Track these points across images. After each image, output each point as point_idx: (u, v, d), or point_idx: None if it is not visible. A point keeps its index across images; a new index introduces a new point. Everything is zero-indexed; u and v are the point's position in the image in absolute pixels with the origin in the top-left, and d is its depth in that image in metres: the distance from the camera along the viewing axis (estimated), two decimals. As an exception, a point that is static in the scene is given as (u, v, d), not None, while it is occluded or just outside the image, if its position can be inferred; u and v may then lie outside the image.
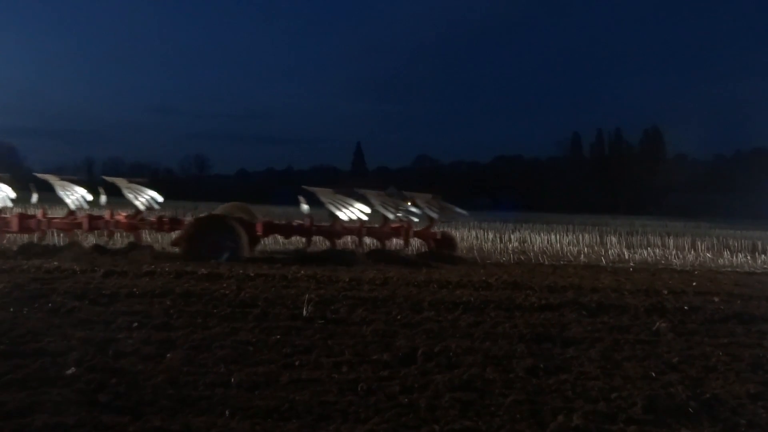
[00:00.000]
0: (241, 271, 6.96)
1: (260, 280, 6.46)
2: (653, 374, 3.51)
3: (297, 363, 3.51)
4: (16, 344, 3.63)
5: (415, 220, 9.75)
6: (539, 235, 14.75)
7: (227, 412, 2.73)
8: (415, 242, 10.28)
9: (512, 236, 14.56)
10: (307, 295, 5.45)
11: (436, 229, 10.23)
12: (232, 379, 3.14)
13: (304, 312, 4.82)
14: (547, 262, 10.02)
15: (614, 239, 14.66)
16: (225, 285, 6.04)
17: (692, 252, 12.52)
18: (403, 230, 9.72)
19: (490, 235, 14.22)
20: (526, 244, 12.90)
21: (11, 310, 4.55)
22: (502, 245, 12.45)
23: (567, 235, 14.71)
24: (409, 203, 9.85)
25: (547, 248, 12.24)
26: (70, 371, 3.15)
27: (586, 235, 15.18)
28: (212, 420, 2.64)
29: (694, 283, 7.69)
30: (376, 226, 9.70)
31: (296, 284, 6.32)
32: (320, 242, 9.93)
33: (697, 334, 4.67)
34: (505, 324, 4.74)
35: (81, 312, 4.60)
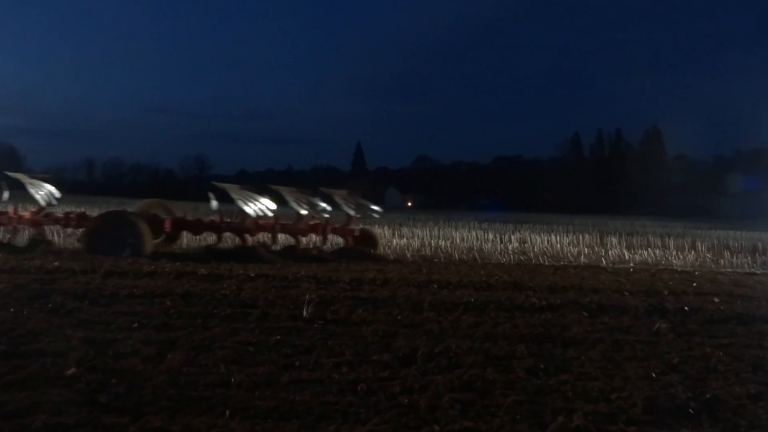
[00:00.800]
0: (241, 272, 6.96)
1: (260, 281, 6.46)
2: (654, 375, 3.51)
3: (297, 363, 3.50)
4: (16, 344, 3.62)
5: (326, 215, 9.77)
6: (539, 235, 14.76)
7: (227, 413, 2.73)
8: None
9: (512, 237, 14.56)
10: (308, 296, 5.45)
11: (354, 226, 10.19)
12: (233, 380, 3.14)
13: (305, 312, 4.82)
14: (547, 263, 10.02)
15: (614, 240, 14.66)
16: (225, 285, 6.04)
17: (692, 252, 12.52)
18: (320, 227, 9.72)
19: (491, 236, 14.23)
20: (526, 245, 12.90)
21: (11, 310, 4.55)
22: (502, 246, 12.45)
23: (567, 236, 14.71)
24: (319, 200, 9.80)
25: (547, 249, 12.24)
26: (70, 372, 3.15)
27: (587, 236, 15.19)
28: (212, 420, 2.64)
29: (695, 284, 7.68)
30: (290, 222, 9.71)
31: (297, 285, 6.32)
32: (284, 239, 9.94)
33: (697, 334, 4.67)
34: (506, 324, 4.74)
35: (81, 312, 4.60)
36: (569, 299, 5.92)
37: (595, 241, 14.26)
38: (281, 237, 10.00)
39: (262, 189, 9.55)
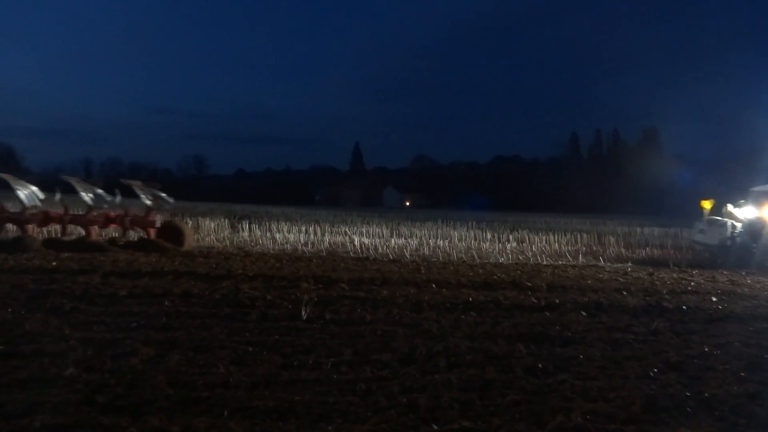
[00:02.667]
0: (240, 272, 6.96)
1: (260, 281, 6.46)
2: (651, 374, 3.52)
3: (296, 363, 3.50)
4: (14, 345, 3.62)
5: (92, 203, 9.65)
6: (537, 235, 14.76)
7: (227, 413, 2.73)
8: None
9: (510, 236, 14.57)
10: (307, 296, 5.45)
11: (158, 218, 9.98)
12: (232, 380, 3.14)
13: (303, 313, 4.82)
14: (545, 262, 10.03)
15: (612, 239, 14.67)
16: (224, 285, 6.03)
17: (691, 252, 12.53)
18: (119, 218, 9.53)
19: (489, 235, 14.23)
20: (524, 245, 12.90)
21: (10, 310, 4.54)
22: (500, 245, 12.46)
23: (565, 235, 14.72)
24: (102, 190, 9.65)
25: (545, 248, 12.25)
26: (68, 372, 3.15)
27: (584, 235, 15.20)
28: (212, 420, 2.64)
29: (693, 283, 7.70)
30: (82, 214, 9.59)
31: (296, 285, 6.31)
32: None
33: (695, 333, 4.68)
34: (505, 324, 4.74)
35: (80, 313, 4.59)
36: (568, 298, 5.93)
37: (593, 240, 14.27)
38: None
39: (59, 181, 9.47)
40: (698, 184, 12.09)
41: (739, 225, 10.68)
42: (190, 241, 10.05)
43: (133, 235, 9.81)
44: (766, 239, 10.08)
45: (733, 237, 10.54)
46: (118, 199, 9.87)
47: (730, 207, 11.09)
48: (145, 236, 9.62)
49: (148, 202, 9.62)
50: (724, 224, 10.65)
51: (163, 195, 10.05)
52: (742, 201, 11.23)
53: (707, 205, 11.27)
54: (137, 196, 9.92)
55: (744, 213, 10.90)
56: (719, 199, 11.66)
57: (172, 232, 9.70)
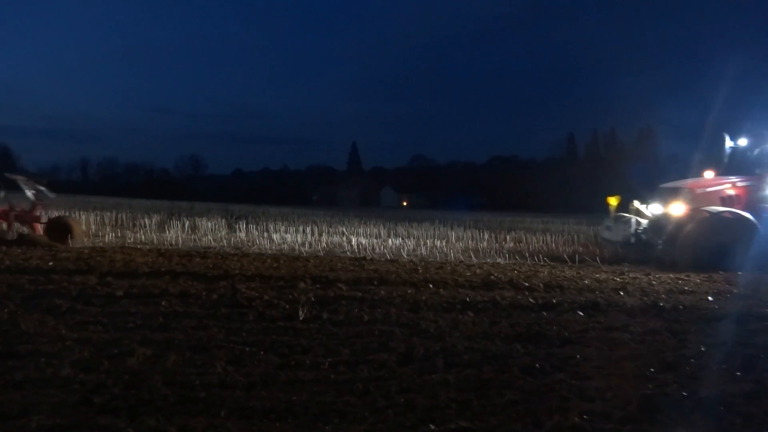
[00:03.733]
0: (237, 272, 6.95)
1: (257, 281, 6.46)
2: (648, 373, 3.53)
3: (294, 363, 3.51)
4: (11, 345, 3.61)
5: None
6: (535, 235, 14.78)
7: (224, 413, 2.73)
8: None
9: (508, 236, 14.58)
10: (304, 296, 5.45)
11: (43, 213, 9.83)
12: (229, 380, 3.14)
13: (301, 313, 4.82)
14: (542, 262, 10.04)
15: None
16: (222, 285, 6.03)
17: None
18: (3, 214, 9.37)
19: (486, 235, 14.25)
20: (521, 244, 12.93)
21: (6, 310, 4.53)
22: (497, 245, 12.48)
23: (563, 235, 14.75)
24: None
25: (542, 248, 12.27)
26: (65, 372, 3.14)
27: (582, 235, 15.23)
28: (209, 421, 2.63)
29: (690, 284, 7.72)
30: None
31: (293, 285, 6.31)
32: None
33: (691, 333, 4.69)
34: (502, 323, 4.75)
35: (77, 313, 4.59)
36: (565, 298, 5.94)
37: (590, 239, 14.29)
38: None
39: None
40: (652, 179, 11.97)
41: (644, 221, 10.65)
42: (80, 238, 9.85)
43: (24, 230, 9.67)
44: (670, 235, 10.03)
45: (637, 233, 10.52)
46: (2, 194, 9.72)
47: (636, 203, 11.00)
48: (31, 232, 9.46)
49: (32, 197, 9.51)
50: (628, 221, 10.61)
51: (43, 189, 9.89)
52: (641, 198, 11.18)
53: (613, 201, 11.15)
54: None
55: (651, 210, 10.85)
56: (626, 195, 11.54)
57: (59, 229, 9.57)
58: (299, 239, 12.65)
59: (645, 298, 6.18)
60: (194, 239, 12.25)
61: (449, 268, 8.62)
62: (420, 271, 8.03)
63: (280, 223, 15.91)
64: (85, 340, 3.79)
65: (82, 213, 15.42)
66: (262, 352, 3.71)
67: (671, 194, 10.78)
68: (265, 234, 13.25)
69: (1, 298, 4.98)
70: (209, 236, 12.78)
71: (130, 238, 11.83)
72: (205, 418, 2.66)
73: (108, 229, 13.32)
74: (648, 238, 10.54)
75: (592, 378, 3.42)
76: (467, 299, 5.72)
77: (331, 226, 16.00)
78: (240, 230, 13.80)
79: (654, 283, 7.54)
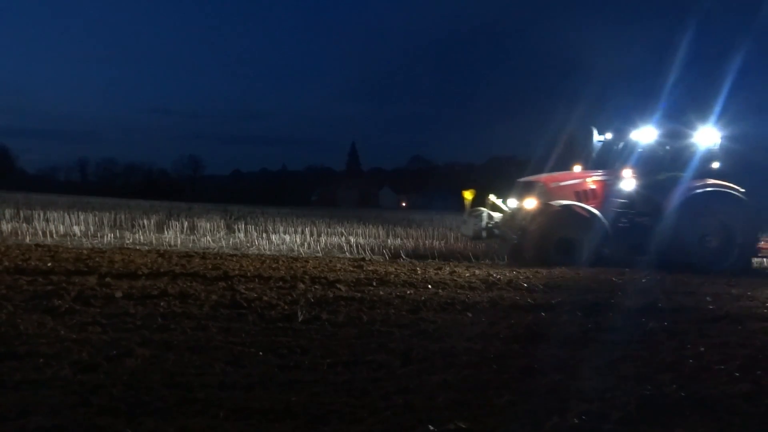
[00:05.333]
0: (236, 273, 6.95)
1: (256, 282, 6.46)
2: (647, 374, 3.53)
3: (293, 364, 3.51)
4: (9, 346, 3.60)
5: None
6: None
7: (223, 414, 2.73)
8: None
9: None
10: (303, 297, 5.45)
11: None
12: (228, 381, 3.14)
13: (300, 313, 4.82)
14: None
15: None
16: (221, 286, 6.03)
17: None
18: None
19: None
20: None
21: (5, 311, 4.53)
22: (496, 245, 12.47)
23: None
24: None
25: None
26: (63, 373, 3.14)
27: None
28: (208, 421, 2.63)
29: (689, 284, 7.74)
30: None
31: (292, 285, 6.31)
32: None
33: (690, 333, 4.69)
34: (501, 324, 4.75)
35: (75, 314, 4.58)
36: (563, 298, 5.94)
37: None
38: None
39: None
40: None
41: (497, 216, 10.60)
42: None
43: None
44: (522, 230, 10.03)
45: (488, 228, 10.48)
46: None
47: (492, 197, 10.97)
48: None
49: None
50: (480, 215, 10.57)
51: None
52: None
53: (468, 195, 11.06)
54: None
55: (508, 204, 10.82)
56: (481, 189, 11.49)
57: None
58: (298, 240, 12.66)
59: (644, 299, 6.19)
60: (193, 240, 12.24)
61: (448, 268, 8.62)
62: (419, 271, 8.04)
63: (279, 224, 15.90)
64: (83, 340, 3.79)
65: (80, 213, 15.41)
66: (261, 353, 3.71)
67: (526, 188, 10.70)
68: (264, 235, 13.25)
69: (0, 299, 4.98)
70: (208, 237, 12.78)
71: (128, 239, 11.83)
72: (204, 419, 2.66)
73: (107, 230, 13.31)
74: (501, 232, 10.49)
75: (591, 378, 3.42)
76: (466, 300, 5.73)
77: (330, 227, 16.00)
78: (239, 231, 13.81)
79: (653, 283, 7.53)
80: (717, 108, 10.79)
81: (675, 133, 10.83)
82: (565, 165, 11.73)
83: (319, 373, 3.34)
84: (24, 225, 12.65)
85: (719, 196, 10.37)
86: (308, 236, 13.36)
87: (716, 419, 2.86)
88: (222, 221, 16.02)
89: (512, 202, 10.81)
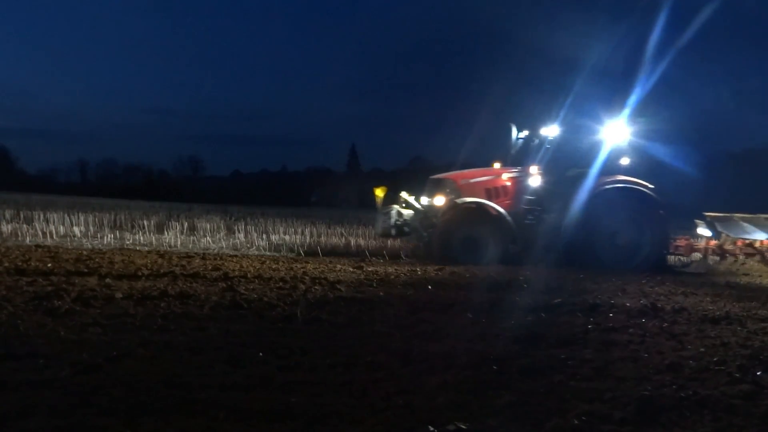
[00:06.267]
0: (236, 273, 6.96)
1: (256, 282, 6.46)
2: (647, 375, 3.53)
3: (292, 365, 3.51)
4: (9, 347, 3.60)
5: None
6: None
7: (222, 414, 2.73)
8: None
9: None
10: (303, 297, 5.45)
11: None
12: (228, 381, 3.14)
13: (299, 313, 4.82)
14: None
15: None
16: (221, 287, 6.03)
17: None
18: None
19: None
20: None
21: (5, 312, 4.53)
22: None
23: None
24: None
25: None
26: (63, 374, 3.14)
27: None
28: (207, 422, 2.63)
29: (689, 284, 7.74)
30: None
31: (292, 286, 6.32)
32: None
33: (690, 334, 4.70)
34: (501, 324, 4.75)
35: (75, 314, 4.58)
36: (563, 299, 5.94)
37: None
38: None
39: None
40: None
41: (407, 213, 10.52)
42: None
43: None
44: (431, 227, 9.98)
45: (397, 225, 10.42)
46: None
47: (404, 194, 10.87)
48: None
49: None
50: (389, 212, 10.51)
51: None
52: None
53: (380, 192, 10.96)
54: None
55: (421, 201, 10.74)
56: (392, 186, 11.40)
57: None
58: (298, 240, 12.66)
59: (644, 300, 6.19)
60: (193, 240, 12.25)
61: (448, 268, 8.63)
62: (419, 272, 8.04)
63: (279, 225, 15.89)
64: (84, 341, 3.79)
65: (80, 214, 15.41)
66: (261, 354, 3.70)
67: (436, 186, 10.66)
68: (264, 235, 13.25)
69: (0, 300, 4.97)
70: (208, 237, 12.78)
71: (128, 240, 11.83)
72: (204, 420, 2.66)
73: (107, 231, 13.31)
74: (411, 230, 10.45)
75: (591, 379, 3.42)
76: (466, 300, 5.73)
77: (330, 227, 15.99)
78: (239, 231, 13.81)
79: (652, 284, 7.52)
80: (627, 104, 10.70)
81: (583, 129, 10.74)
82: (487, 162, 11.64)
83: (319, 374, 3.34)
84: (24, 226, 12.65)
85: (628, 192, 10.25)
86: (308, 237, 13.37)
87: (716, 419, 2.86)
88: (222, 222, 16.02)
89: (424, 200, 10.74)
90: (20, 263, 7.11)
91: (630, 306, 5.74)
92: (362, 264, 8.75)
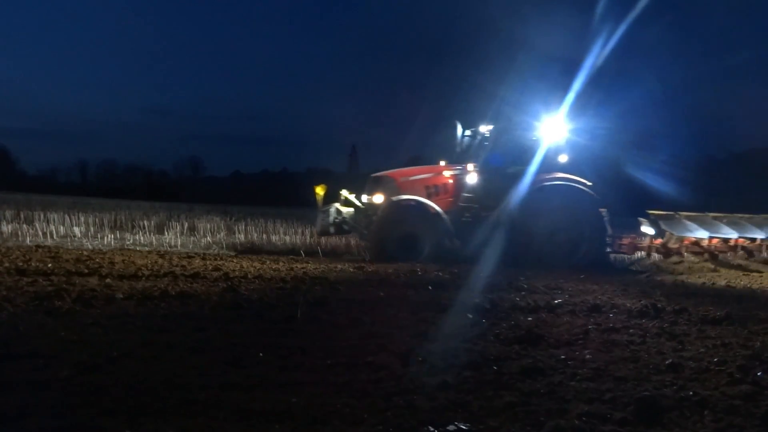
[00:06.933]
0: (236, 273, 6.96)
1: (256, 282, 6.46)
2: (647, 375, 3.53)
3: (293, 365, 3.51)
4: (9, 347, 3.61)
5: None
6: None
7: (223, 415, 2.73)
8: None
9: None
10: (303, 298, 5.45)
11: None
12: (228, 381, 3.14)
13: (300, 314, 4.82)
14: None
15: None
16: (221, 287, 6.03)
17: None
18: None
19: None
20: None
21: (6, 312, 4.53)
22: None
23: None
24: None
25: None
26: (64, 374, 3.14)
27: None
28: (208, 422, 2.63)
29: (689, 285, 7.74)
30: None
31: (293, 286, 6.32)
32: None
33: (690, 334, 4.70)
34: (501, 325, 4.75)
35: (76, 315, 4.58)
36: (562, 299, 5.94)
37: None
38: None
39: None
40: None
41: (347, 211, 10.51)
42: None
43: None
44: (369, 225, 9.95)
45: (336, 223, 10.41)
46: None
47: (345, 192, 10.87)
48: None
49: None
50: (327, 210, 10.50)
51: None
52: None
53: (320, 191, 10.94)
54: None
55: (362, 199, 10.73)
56: (331, 184, 11.38)
57: None
58: (298, 240, 12.66)
59: (644, 300, 6.19)
60: (193, 241, 12.25)
61: (447, 269, 8.62)
62: (419, 273, 8.04)
63: (279, 225, 15.90)
64: (84, 342, 3.79)
65: (81, 214, 15.42)
66: (261, 354, 3.70)
67: (376, 183, 10.65)
68: (264, 235, 13.25)
69: (0, 300, 4.97)
70: (208, 238, 12.79)
71: (129, 240, 11.84)
72: (204, 420, 2.66)
73: (107, 231, 13.32)
74: (351, 227, 10.45)
75: (591, 380, 3.41)
76: (465, 300, 5.73)
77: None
78: (239, 232, 13.81)
79: (653, 284, 7.51)
80: (565, 102, 10.65)
81: (521, 126, 10.73)
82: (435, 160, 11.55)
83: (320, 374, 3.34)
84: (24, 226, 12.66)
85: (566, 190, 10.22)
86: (308, 237, 13.37)
87: (716, 420, 2.86)
88: (222, 222, 16.02)
89: (365, 198, 10.73)
90: (21, 263, 7.12)
91: (630, 306, 5.74)
92: (363, 264, 8.76)
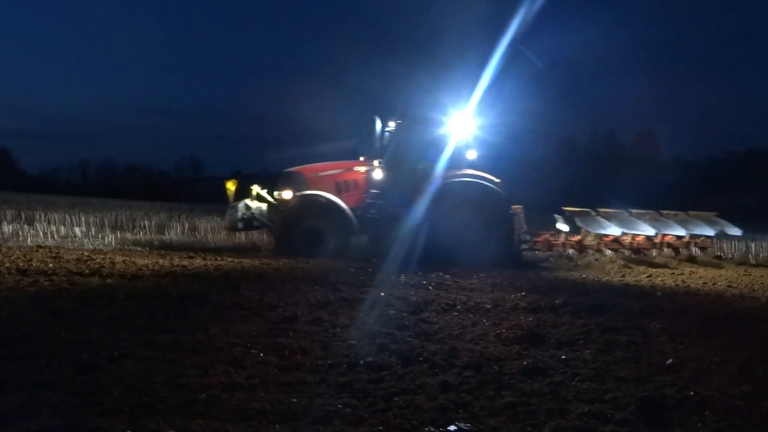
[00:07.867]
0: (237, 273, 6.96)
1: (257, 283, 6.46)
2: (647, 375, 3.53)
3: (294, 365, 3.51)
4: (10, 347, 3.61)
5: None
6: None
7: (224, 415, 2.73)
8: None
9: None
10: (304, 298, 5.45)
11: None
12: (229, 382, 3.14)
13: (301, 314, 4.82)
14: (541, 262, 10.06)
15: None
16: (222, 287, 6.03)
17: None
18: None
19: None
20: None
21: (7, 312, 4.53)
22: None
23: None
24: None
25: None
26: (65, 374, 3.14)
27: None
28: (209, 422, 2.63)
29: (689, 285, 7.74)
30: None
31: (294, 286, 6.32)
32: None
33: (690, 335, 4.69)
34: (502, 325, 4.75)
35: (77, 314, 4.58)
36: (563, 299, 5.93)
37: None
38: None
39: None
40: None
41: (256, 206, 10.43)
42: None
43: None
44: (279, 221, 9.94)
45: (244, 219, 10.34)
46: None
47: (256, 188, 10.76)
48: None
49: None
50: (235, 206, 10.40)
51: None
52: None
53: (231, 186, 10.77)
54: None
55: (273, 194, 10.66)
56: (243, 179, 11.26)
57: None
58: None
59: (644, 300, 6.19)
60: (194, 241, 12.26)
61: (448, 270, 8.61)
62: (418, 272, 8.03)
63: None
64: (85, 341, 3.79)
65: (81, 215, 15.42)
66: (262, 354, 3.71)
67: (288, 178, 10.58)
68: (265, 236, 13.25)
69: (1, 300, 4.98)
70: (209, 238, 12.79)
71: (129, 240, 11.84)
72: (205, 420, 2.66)
73: (108, 231, 13.32)
74: (260, 223, 10.40)
75: (591, 380, 3.42)
76: (467, 301, 5.73)
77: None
78: (240, 232, 13.80)
79: (654, 284, 7.49)
80: (473, 98, 10.50)
81: (429, 122, 10.61)
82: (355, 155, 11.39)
83: (321, 374, 3.34)
84: (25, 226, 12.67)
85: (473, 186, 10.12)
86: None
87: (717, 420, 2.87)
88: (222, 222, 16.01)
89: (276, 193, 10.68)
90: (22, 264, 7.12)
91: (631, 306, 5.73)
92: (363, 264, 8.75)
